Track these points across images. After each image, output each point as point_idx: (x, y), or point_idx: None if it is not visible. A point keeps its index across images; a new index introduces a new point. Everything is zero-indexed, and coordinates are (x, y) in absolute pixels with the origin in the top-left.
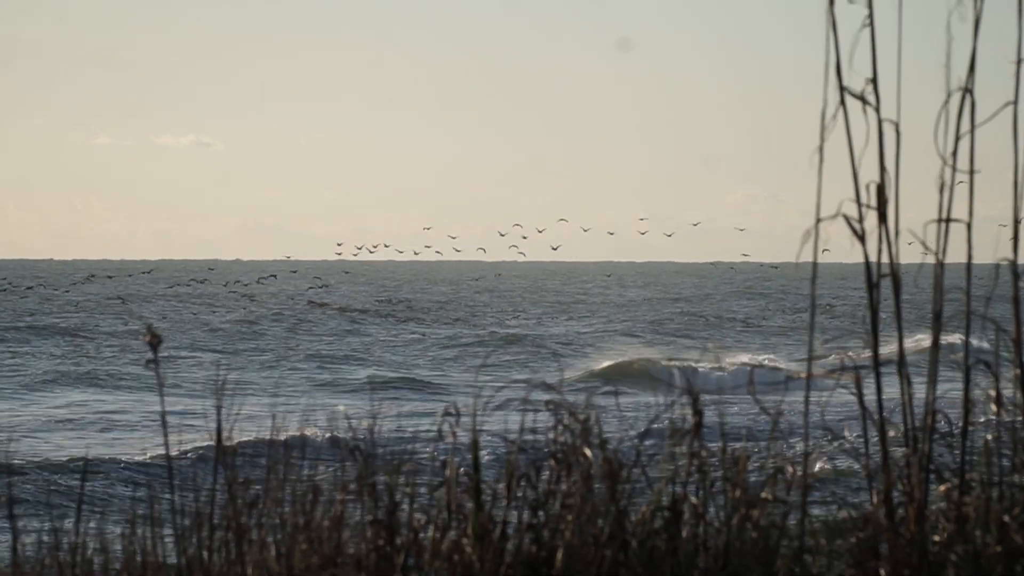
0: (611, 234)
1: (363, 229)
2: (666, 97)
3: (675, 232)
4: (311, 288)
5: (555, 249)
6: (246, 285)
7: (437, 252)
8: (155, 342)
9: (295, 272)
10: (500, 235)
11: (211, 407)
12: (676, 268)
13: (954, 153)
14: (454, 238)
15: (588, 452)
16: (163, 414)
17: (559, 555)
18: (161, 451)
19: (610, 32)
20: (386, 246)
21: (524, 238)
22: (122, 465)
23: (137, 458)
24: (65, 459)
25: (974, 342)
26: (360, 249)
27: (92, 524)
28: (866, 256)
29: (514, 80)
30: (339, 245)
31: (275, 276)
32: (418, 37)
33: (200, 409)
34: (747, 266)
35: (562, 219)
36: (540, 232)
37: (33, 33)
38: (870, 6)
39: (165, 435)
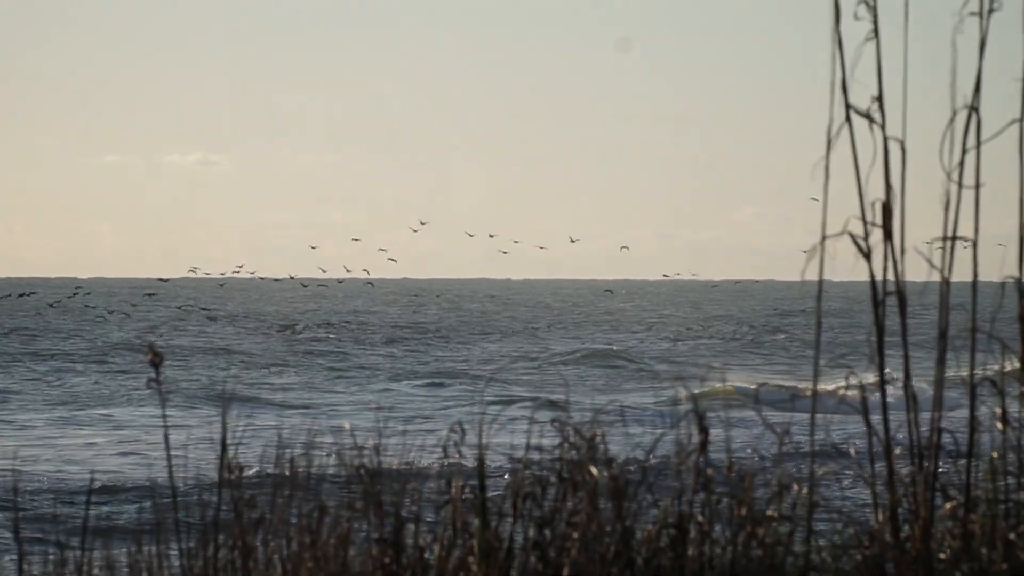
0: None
1: (369, 249)
2: (672, 115)
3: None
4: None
5: (392, 260)
6: (110, 312)
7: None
8: (157, 361)
9: (161, 284)
10: (346, 270)
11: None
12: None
13: (960, 171)
14: (324, 271)
15: (594, 470)
16: (166, 434)
17: (565, 573)
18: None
19: (613, 46)
20: (194, 269)
21: (382, 249)
22: (129, 483)
23: (144, 476)
24: (72, 478)
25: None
26: (167, 281)
27: (98, 543)
28: (872, 274)
29: (518, 92)
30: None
31: (153, 294)
32: (424, 53)
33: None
34: (696, 283)
35: (423, 222)
36: (416, 228)
37: (38, 52)
38: (875, 23)
39: (168, 454)
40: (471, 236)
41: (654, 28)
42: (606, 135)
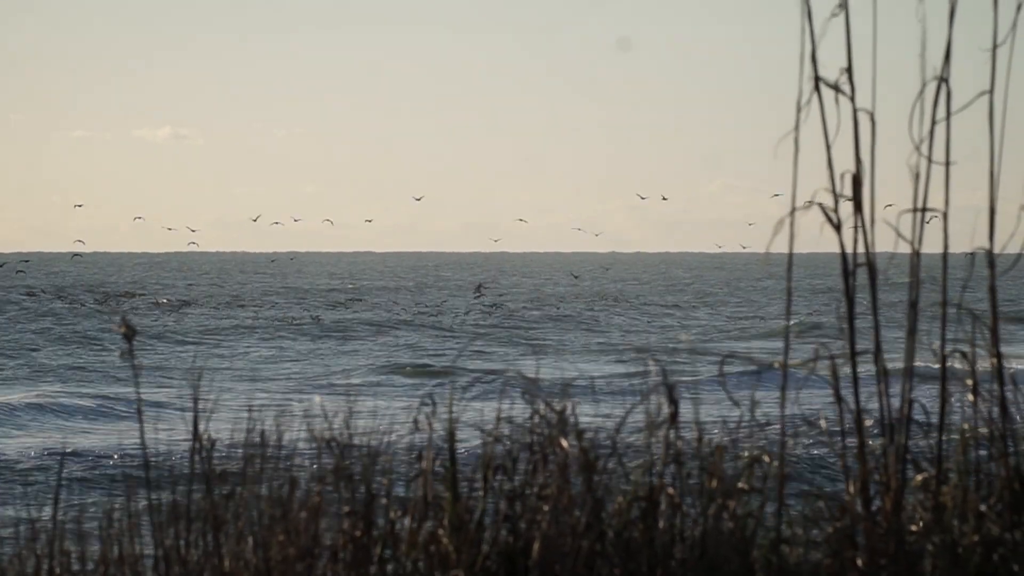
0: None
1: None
2: (643, 88)
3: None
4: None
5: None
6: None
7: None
8: (129, 334)
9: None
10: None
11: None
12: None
13: (930, 142)
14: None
15: (564, 443)
16: (139, 407)
17: (536, 546)
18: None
19: (592, 27)
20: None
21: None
22: (101, 457)
23: (116, 450)
24: (44, 451)
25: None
26: None
27: (70, 516)
28: (842, 245)
29: (490, 68)
30: None
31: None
32: (406, 33)
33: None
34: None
35: (417, 198)
36: (417, 198)
37: (7, 27)
38: None
39: (141, 428)
40: (417, 199)
41: (625, 3)
42: (576, 109)
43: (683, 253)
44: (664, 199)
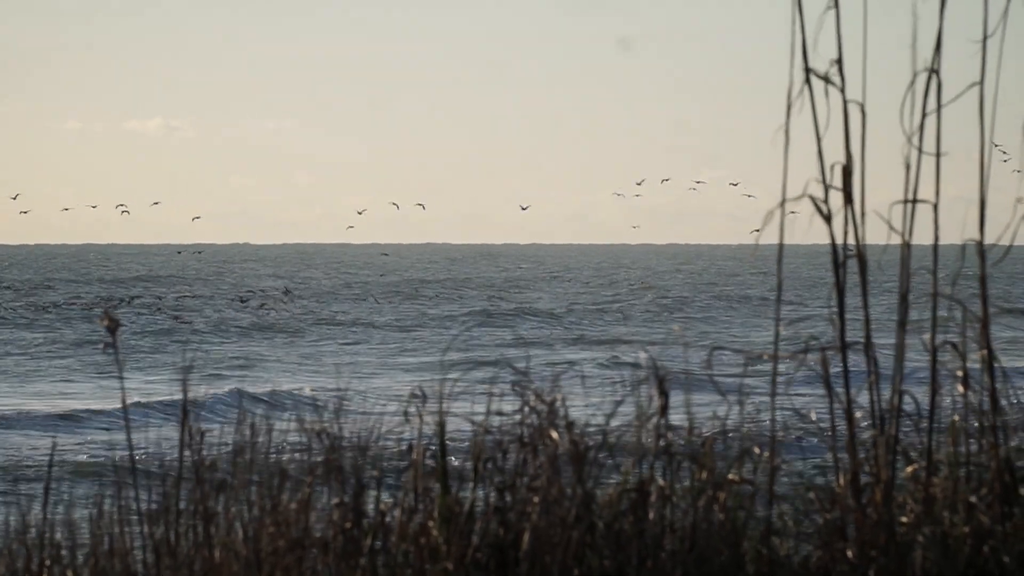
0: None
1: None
2: (634, 83)
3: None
4: None
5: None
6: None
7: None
8: (112, 327)
9: None
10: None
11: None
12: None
13: (920, 134)
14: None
15: (555, 434)
16: (123, 400)
17: (526, 537)
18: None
19: (582, 17)
20: None
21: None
22: (91, 449)
23: (105, 442)
24: (33, 444)
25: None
26: None
27: (60, 509)
28: (832, 237)
29: (496, 69)
30: None
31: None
32: (399, 26)
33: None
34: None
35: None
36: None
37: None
38: None
39: (126, 419)
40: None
41: (633, 11)
42: (573, 99)
43: (688, 245)
44: (638, 184)
